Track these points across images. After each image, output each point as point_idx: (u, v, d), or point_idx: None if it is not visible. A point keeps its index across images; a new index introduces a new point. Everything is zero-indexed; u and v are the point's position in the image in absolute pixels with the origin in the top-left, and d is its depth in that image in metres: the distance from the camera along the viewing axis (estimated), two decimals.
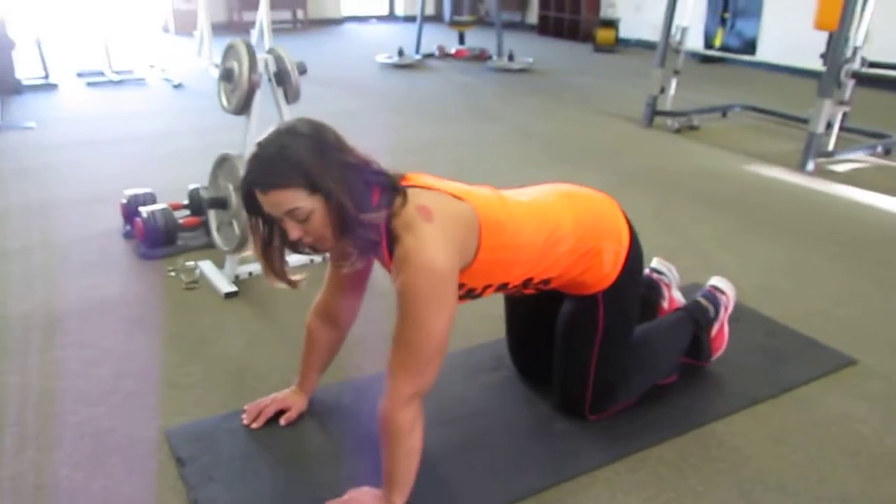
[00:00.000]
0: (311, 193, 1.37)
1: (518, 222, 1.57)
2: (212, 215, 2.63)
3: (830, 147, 4.33)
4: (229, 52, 2.42)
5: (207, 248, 2.80)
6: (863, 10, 4.18)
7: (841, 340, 2.22)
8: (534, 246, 1.59)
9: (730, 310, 2.07)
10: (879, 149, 4.50)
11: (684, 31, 5.19)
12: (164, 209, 2.79)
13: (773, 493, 1.60)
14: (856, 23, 4.14)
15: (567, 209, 1.68)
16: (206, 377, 2.01)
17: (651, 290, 2.14)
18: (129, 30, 9.04)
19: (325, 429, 1.79)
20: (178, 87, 6.12)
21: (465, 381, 2.00)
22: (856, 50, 4.21)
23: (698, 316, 1.99)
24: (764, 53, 7.70)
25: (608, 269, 1.69)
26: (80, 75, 6.37)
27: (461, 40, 8.33)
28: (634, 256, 1.74)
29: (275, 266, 1.56)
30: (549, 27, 10.23)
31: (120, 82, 6.27)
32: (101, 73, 6.36)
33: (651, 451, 1.73)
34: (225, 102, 2.48)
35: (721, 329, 2.03)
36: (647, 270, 2.19)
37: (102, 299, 2.44)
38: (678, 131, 5.01)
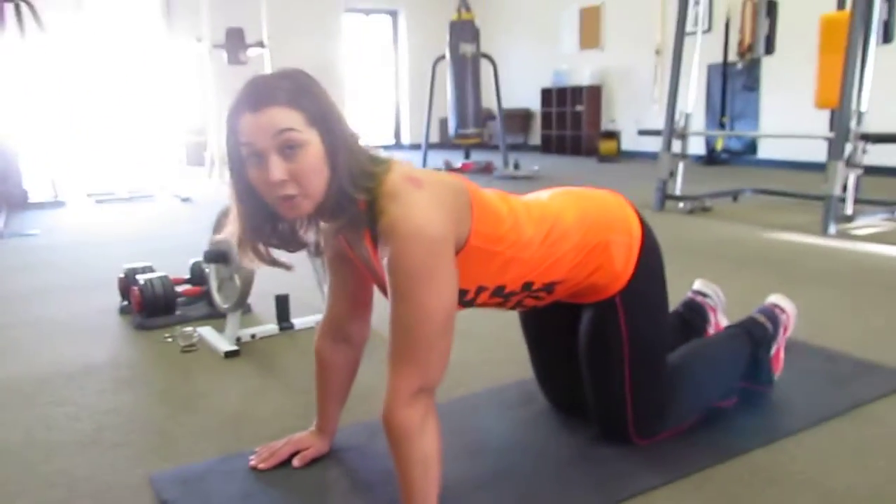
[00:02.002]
0: (310, 124, 1.19)
1: (516, 216, 1.39)
2: (212, 273, 2.48)
3: (849, 211, 4.23)
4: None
5: (208, 317, 2.63)
6: (861, 82, 4.21)
7: None
8: (533, 243, 1.39)
9: (790, 330, 1.86)
10: None
11: (688, 116, 5.22)
12: (162, 277, 2.64)
13: (868, 501, 1.35)
14: (856, 92, 4.17)
15: (568, 204, 1.50)
16: (201, 425, 1.79)
17: (695, 313, 1.94)
18: (142, 158, 9.25)
19: (338, 464, 1.56)
20: (186, 200, 6.14)
21: (494, 416, 1.78)
22: (860, 115, 4.20)
23: (756, 332, 1.77)
24: (765, 151, 7.78)
25: (620, 265, 1.48)
26: (89, 195, 6.41)
27: (466, 155, 8.45)
28: (650, 249, 1.54)
29: (256, 244, 1.32)
30: (552, 145, 10.44)
31: (129, 199, 6.30)
32: (111, 193, 6.41)
33: (715, 469, 1.48)
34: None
35: (779, 350, 1.82)
36: (689, 293, 2.00)
37: (89, 363, 2.24)
38: (691, 212, 4.92)
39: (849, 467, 1.48)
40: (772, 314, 1.82)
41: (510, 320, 2.36)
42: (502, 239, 1.34)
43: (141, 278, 2.62)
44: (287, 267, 1.40)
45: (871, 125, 4.32)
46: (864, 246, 3.72)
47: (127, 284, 2.74)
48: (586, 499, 1.39)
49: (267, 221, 1.32)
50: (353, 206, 1.25)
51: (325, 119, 1.22)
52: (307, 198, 1.22)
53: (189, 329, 2.44)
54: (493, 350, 2.24)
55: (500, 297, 1.45)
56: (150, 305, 2.57)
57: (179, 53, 9.14)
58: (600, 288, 1.51)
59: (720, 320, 1.96)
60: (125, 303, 2.77)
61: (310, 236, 1.38)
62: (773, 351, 1.80)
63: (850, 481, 1.42)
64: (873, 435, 1.62)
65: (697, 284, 2.01)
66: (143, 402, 1.95)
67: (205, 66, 7.19)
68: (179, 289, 2.73)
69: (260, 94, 1.19)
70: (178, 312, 2.65)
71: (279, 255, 1.38)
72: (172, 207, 5.93)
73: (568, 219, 1.46)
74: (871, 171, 4.70)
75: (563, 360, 1.68)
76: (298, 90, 1.20)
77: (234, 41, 7.41)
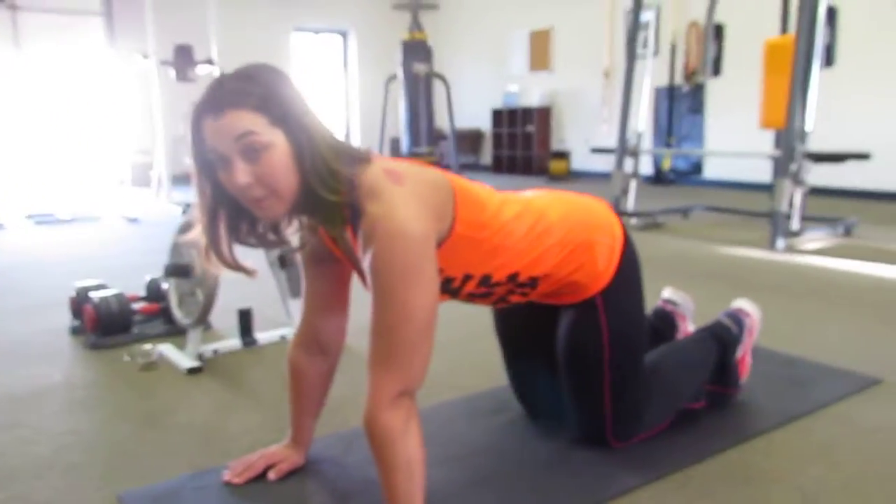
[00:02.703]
0: (273, 124, 1.17)
1: (498, 205, 1.40)
2: (172, 288, 2.41)
3: (795, 227, 4.37)
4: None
5: (167, 335, 2.56)
6: (804, 104, 4.37)
7: (859, 367, 2.09)
8: (517, 232, 1.40)
9: (755, 334, 1.90)
10: (840, 229, 4.59)
11: (640, 135, 5.34)
12: (117, 294, 2.56)
13: (839, 494, 1.39)
14: (799, 114, 4.32)
15: (552, 203, 1.52)
16: (167, 443, 1.73)
17: (665, 322, 1.97)
18: (86, 179, 9.00)
19: (315, 476, 1.52)
20: (133, 220, 5.99)
21: (468, 424, 1.76)
22: (805, 134, 4.36)
23: (723, 335, 1.80)
24: (710, 171, 8.00)
25: (602, 265, 1.50)
26: (29, 217, 6.19)
27: None
28: (630, 253, 1.57)
29: (221, 247, 1.29)
30: (504, 165, 10.53)
31: (71, 220, 6.11)
32: (51, 215, 6.20)
33: (693, 468, 1.51)
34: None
35: (745, 354, 1.86)
36: (659, 302, 2.03)
37: (42, 385, 2.14)
38: (644, 228, 5.01)
39: (819, 464, 1.51)
40: (737, 318, 1.86)
41: (477, 331, 2.37)
42: (486, 225, 1.35)
43: (95, 296, 2.53)
44: (250, 273, 1.35)
45: (814, 145, 4.48)
46: (811, 259, 3.84)
47: (79, 303, 2.65)
48: (569, 501, 1.38)
49: (244, 221, 1.31)
50: (330, 203, 1.22)
51: (291, 118, 1.19)
52: (279, 199, 1.20)
53: (148, 347, 2.37)
54: (462, 360, 2.23)
55: (486, 288, 1.44)
56: (105, 324, 2.48)
57: (124, 71, 8.96)
58: (582, 287, 1.52)
59: (689, 328, 2.00)
60: (77, 322, 2.67)
61: (290, 233, 1.36)
62: (739, 354, 1.83)
63: (821, 477, 1.46)
64: (840, 434, 1.66)
65: (667, 293, 2.04)
66: (102, 421, 1.88)
67: (151, 84, 7.06)
68: (135, 306, 2.66)
69: (220, 97, 1.17)
70: (134, 331, 2.57)
71: (242, 259, 1.34)
72: (119, 228, 5.77)
73: (552, 215, 1.47)
74: (814, 191, 4.87)
75: (539, 366, 1.69)
76: (260, 91, 1.18)
77: (183, 58, 7.29)
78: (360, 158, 1.26)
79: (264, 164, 1.17)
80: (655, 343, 1.88)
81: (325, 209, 1.24)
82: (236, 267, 1.32)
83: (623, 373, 1.54)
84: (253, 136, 1.16)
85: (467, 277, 1.40)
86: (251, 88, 1.18)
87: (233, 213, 1.28)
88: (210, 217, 1.27)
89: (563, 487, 1.44)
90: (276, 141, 1.18)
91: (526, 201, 1.49)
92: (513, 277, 1.45)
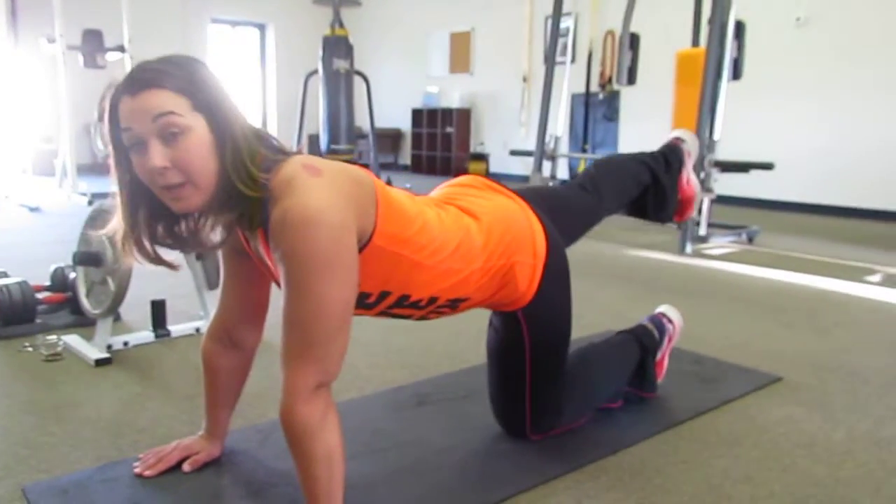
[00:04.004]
0: (195, 109, 1.13)
1: (424, 219, 1.34)
2: (80, 277, 2.31)
3: (703, 233, 4.56)
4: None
5: (73, 326, 2.45)
6: (713, 115, 4.57)
7: (761, 365, 2.21)
8: (440, 252, 1.34)
9: (674, 340, 1.97)
10: (744, 236, 4.83)
11: (557, 139, 5.46)
12: (20, 282, 2.44)
13: (742, 484, 1.46)
14: (708, 124, 4.52)
15: (478, 215, 1.47)
16: (74, 435, 1.66)
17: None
18: None
19: (231, 469, 1.49)
20: (34, 210, 5.70)
21: (389, 416, 1.77)
22: (713, 143, 4.55)
23: (644, 339, 1.86)
24: None
25: (524, 286, 1.50)
26: None
27: None
28: (554, 263, 1.54)
29: (141, 239, 1.22)
30: (422, 165, 10.56)
31: None
32: None
33: (608, 460, 1.56)
34: (101, 145, 2.22)
35: (663, 358, 1.93)
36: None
37: None
38: None
39: (724, 455, 1.59)
40: (660, 323, 1.93)
41: (395, 326, 2.37)
42: (408, 241, 1.29)
43: None
44: (173, 267, 1.30)
45: (721, 155, 4.68)
46: (717, 264, 4.02)
47: None
48: (491, 489, 1.41)
49: (161, 220, 1.25)
50: (246, 199, 1.17)
51: (214, 106, 1.15)
52: (196, 189, 1.15)
53: (52, 337, 2.27)
54: (380, 355, 2.23)
55: (403, 309, 1.41)
56: (7, 313, 2.36)
57: (28, 55, 8.52)
58: (505, 304, 1.54)
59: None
60: None
61: (212, 237, 1.28)
62: (657, 357, 1.90)
63: (726, 467, 1.53)
64: (743, 427, 1.75)
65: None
66: (4, 414, 1.78)
67: (57, 70, 6.73)
68: (40, 296, 2.54)
69: (141, 77, 1.12)
70: (38, 321, 2.45)
71: (164, 253, 1.28)
72: (20, 217, 5.49)
73: (476, 239, 1.42)
74: (722, 199, 5.10)
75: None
76: (184, 74, 1.14)
77: (92, 43, 6.98)
78: (282, 152, 1.21)
79: (182, 148, 1.12)
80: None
81: (241, 205, 1.18)
82: (158, 261, 1.26)
83: (543, 375, 1.57)
84: (173, 116, 1.11)
85: (385, 294, 1.35)
86: (175, 71, 1.14)
87: (150, 211, 1.22)
88: (129, 208, 1.21)
89: (486, 475, 1.47)
90: (197, 126, 1.13)
91: (454, 216, 1.44)
92: (432, 300, 1.41)
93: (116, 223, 1.23)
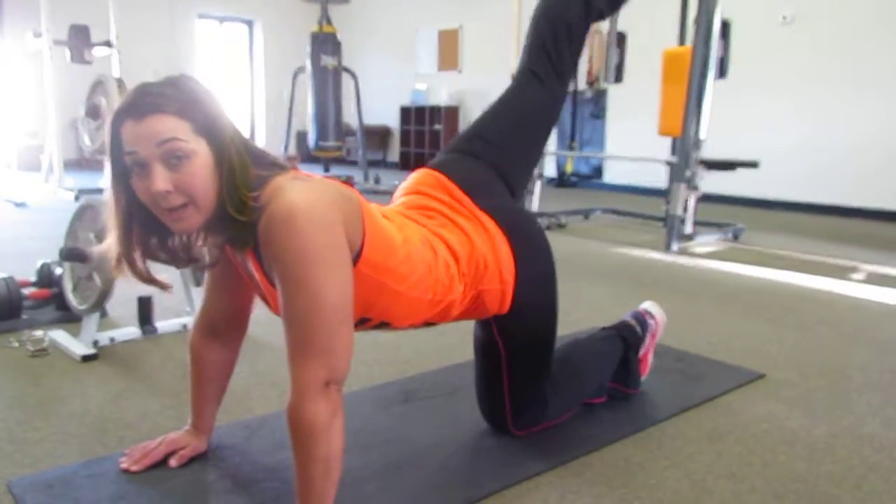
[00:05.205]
0: (197, 133, 1.15)
1: (409, 249, 1.33)
2: (67, 272, 2.31)
3: (689, 231, 4.59)
4: (97, 87, 2.21)
5: (59, 322, 2.44)
6: (699, 113, 4.59)
7: (745, 362, 2.23)
8: (421, 284, 1.35)
9: (657, 336, 1.99)
10: (730, 234, 4.87)
11: None
12: (6, 278, 2.43)
13: (724, 479, 1.48)
14: (694, 122, 4.54)
15: (452, 245, 1.45)
16: (60, 430, 1.66)
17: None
18: None
19: (218, 463, 1.50)
20: (20, 205, 5.67)
21: (377, 412, 1.78)
22: (699, 142, 4.58)
23: (628, 335, 1.88)
24: (610, 176, 8.29)
25: (495, 308, 1.52)
26: None
27: (326, 169, 8.38)
28: (527, 279, 1.52)
29: (135, 258, 1.24)
30: (411, 162, 10.55)
31: None
32: None
33: (592, 455, 1.57)
34: (87, 141, 2.24)
35: (646, 354, 1.94)
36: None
37: None
38: (548, 228, 5.15)
39: (707, 452, 1.61)
40: (642, 319, 1.94)
41: None
42: (392, 271, 1.29)
43: None
44: (165, 286, 1.32)
45: (707, 153, 4.71)
46: (702, 262, 4.05)
47: None
48: (477, 485, 1.42)
49: (154, 235, 1.26)
50: (236, 223, 1.18)
51: (213, 128, 1.17)
52: (198, 210, 1.17)
53: (38, 333, 2.26)
54: (366, 352, 2.23)
55: (381, 329, 1.44)
56: None
57: (13, 49, 8.45)
58: (478, 317, 1.58)
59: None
60: None
61: (203, 252, 1.30)
62: (640, 353, 1.92)
63: (709, 463, 1.55)
64: (726, 423, 1.77)
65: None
66: None
67: (44, 64, 6.68)
68: (26, 291, 2.53)
69: (143, 101, 1.14)
70: (24, 317, 2.44)
71: (156, 272, 1.30)
72: (6, 213, 5.46)
73: (452, 269, 1.43)
74: (707, 198, 5.13)
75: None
76: (186, 98, 1.16)
77: (79, 38, 6.93)
78: (276, 166, 1.23)
79: (186, 172, 1.14)
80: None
81: (232, 228, 1.20)
82: (150, 280, 1.28)
83: (522, 374, 1.59)
84: (177, 141, 1.13)
85: (364, 320, 1.36)
86: (176, 94, 1.15)
87: (144, 226, 1.24)
88: (124, 227, 1.23)
89: (471, 471, 1.48)
90: (200, 150, 1.15)
91: (430, 242, 1.42)
92: (411, 326, 1.47)
93: (110, 243, 1.25)
